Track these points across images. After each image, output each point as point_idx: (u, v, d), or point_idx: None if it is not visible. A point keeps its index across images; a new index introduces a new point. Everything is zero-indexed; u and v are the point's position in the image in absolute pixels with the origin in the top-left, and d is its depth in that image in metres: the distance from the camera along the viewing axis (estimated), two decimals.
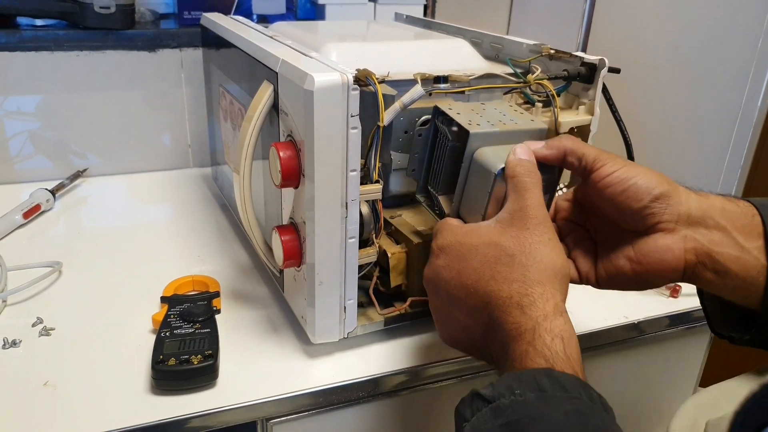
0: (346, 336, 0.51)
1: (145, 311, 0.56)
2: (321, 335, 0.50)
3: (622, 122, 0.56)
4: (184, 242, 0.71)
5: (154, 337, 0.51)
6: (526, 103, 0.56)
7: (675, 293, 0.63)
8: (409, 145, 0.55)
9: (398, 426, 0.54)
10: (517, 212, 0.39)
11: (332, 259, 0.48)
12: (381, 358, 0.52)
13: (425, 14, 0.98)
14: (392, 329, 0.54)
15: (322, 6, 0.91)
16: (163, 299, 0.56)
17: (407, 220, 0.57)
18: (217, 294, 0.57)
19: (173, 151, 0.91)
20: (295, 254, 0.49)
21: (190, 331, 0.51)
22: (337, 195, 0.46)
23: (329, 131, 0.44)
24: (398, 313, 0.53)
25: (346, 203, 0.46)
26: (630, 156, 0.57)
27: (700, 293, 0.46)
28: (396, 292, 0.56)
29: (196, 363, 0.47)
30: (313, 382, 0.49)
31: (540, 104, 0.54)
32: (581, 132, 0.55)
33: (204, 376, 0.47)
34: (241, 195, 0.51)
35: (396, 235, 0.55)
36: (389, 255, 0.53)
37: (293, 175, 0.46)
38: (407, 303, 0.53)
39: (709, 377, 0.73)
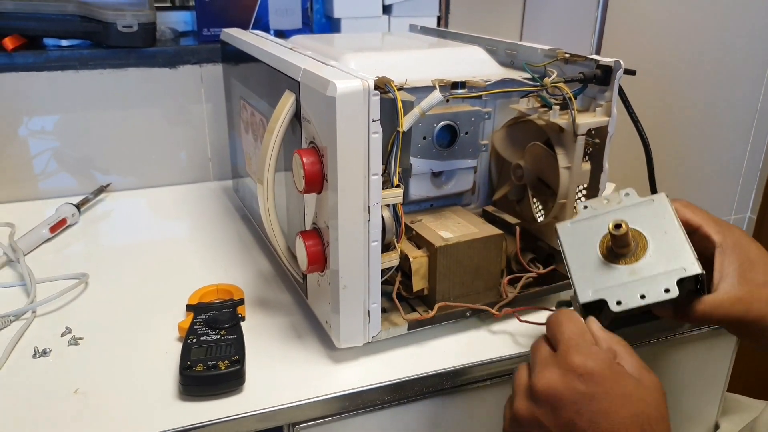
0: (370, 340, 0.52)
1: (170, 320, 0.57)
2: (346, 340, 0.51)
3: (640, 123, 0.56)
4: (207, 253, 0.72)
5: (180, 344, 0.52)
6: (543, 106, 0.57)
7: None
8: (429, 150, 0.56)
9: (424, 431, 0.54)
10: (659, 387, 0.40)
11: (356, 262, 0.48)
12: (406, 362, 0.52)
13: (438, 25, 0.99)
14: (416, 333, 0.55)
15: (338, 20, 0.92)
16: (189, 307, 0.57)
17: (428, 224, 0.57)
18: (241, 301, 0.58)
19: (194, 165, 0.93)
20: (319, 259, 0.50)
21: (216, 337, 0.52)
22: (359, 199, 0.47)
23: (351, 136, 0.45)
24: (423, 318, 0.53)
25: (369, 207, 0.47)
26: (648, 157, 0.57)
27: None
28: (418, 297, 0.56)
29: (223, 368, 0.48)
30: (338, 387, 0.49)
31: (557, 107, 0.54)
32: (599, 133, 0.55)
33: (231, 381, 0.48)
34: (265, 201, 0.51)
35: (417, 240, 0.56)
36: (411, 259, 0.54)
37: (316, 181, 0.47)
38: (435, 310, 0.53)
39: (736, 383, 0.72)
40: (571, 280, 0.46)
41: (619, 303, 0.42)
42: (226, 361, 0.48)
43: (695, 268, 0.42)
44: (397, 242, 0.53)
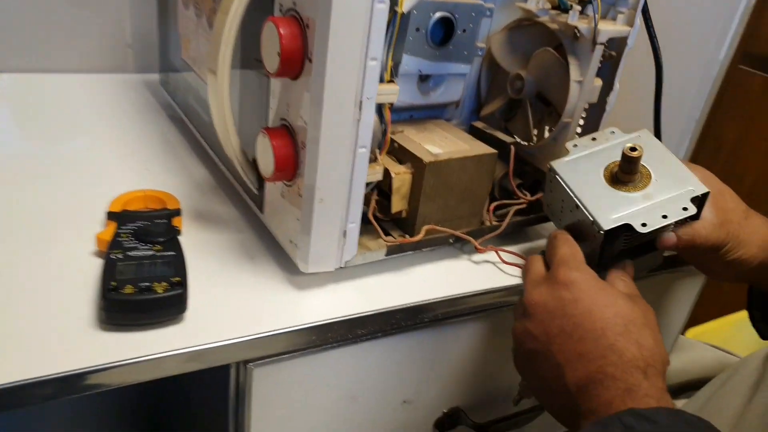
0: (343, 265, 0.43)
1: (84, 230, 0.45)
2: (315, 263, 0.42)
3: (656, 39, 0.50)
4: (129, 154, 0.59)
5: (99, 260, 0.41)
6: (555, 8, 0.49)
7: None
8: (420, 46, 0.47)
9: (401, 366, 0.48)
10: (637, 297, 0.41)
11: (338, 171, 0.39)
12: (380, 291, 0.45)
13: None
14: (392, 260, 0.47)
15: None
16: (111, 215, 0.45)
17: (411, 137, 0.49)
18: (177, 212, 0.47)
19: (109, 51, 0.76)
20: (289, 164, 0.40)
21: (149, 253, 0.41)
22: (351, 90, 0.37)
23: (349, 4, 0.34)
24: (408, 242, 0.46)
25: (361, 101, 0.38)
26: (659, 78, 0.52)
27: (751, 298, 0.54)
28: (392, 220, 0.49)
29: (161, 292, 0.38)
30: (302, 318, 0.41)
31: (578, 8, 0.46)
32: (616, 45, 0.48)
33: (170, 307, 0.38)
34: (218, 87, 0.40)
35: (400, 154, 0.47)
36: (393, 176, 0.45)
37: (295, 59, 0.37)
38: (422, 233, 0.46)
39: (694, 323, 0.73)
40: (584, 211, 0.44)
41: (644, 225, 0.42)
42: (164, 283, 0.38)
43: (702, 188, 0.44)
44: (379, 153, 0.45)
